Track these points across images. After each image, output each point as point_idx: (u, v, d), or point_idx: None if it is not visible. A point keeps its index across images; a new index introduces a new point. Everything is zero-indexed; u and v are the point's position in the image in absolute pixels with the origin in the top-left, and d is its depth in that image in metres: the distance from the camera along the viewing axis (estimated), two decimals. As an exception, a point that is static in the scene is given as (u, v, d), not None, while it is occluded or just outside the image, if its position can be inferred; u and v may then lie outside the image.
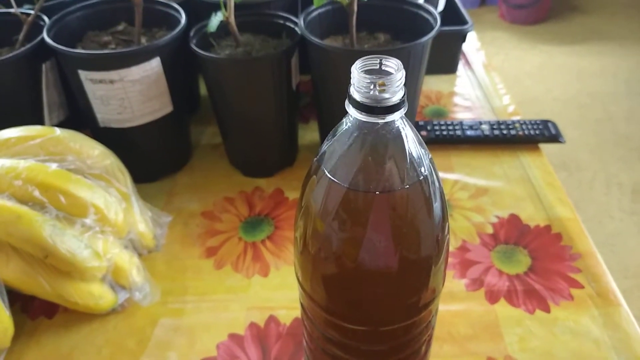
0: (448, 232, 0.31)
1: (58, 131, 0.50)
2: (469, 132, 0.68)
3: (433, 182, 0.29)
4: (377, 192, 0.28)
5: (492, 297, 0.48)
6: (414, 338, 0.34)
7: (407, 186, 0.28)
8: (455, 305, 0.48)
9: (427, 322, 0.34)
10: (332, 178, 0.28)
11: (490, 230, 0.55)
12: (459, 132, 0.68)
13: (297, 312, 0.47)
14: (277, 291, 0.49)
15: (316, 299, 0.32)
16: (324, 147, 0.29)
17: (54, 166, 0.47)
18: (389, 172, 0.28)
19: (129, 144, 0.59)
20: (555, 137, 0.67)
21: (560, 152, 1.63)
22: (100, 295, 0.46)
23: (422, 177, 0.28)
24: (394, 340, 0.33)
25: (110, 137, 0.57)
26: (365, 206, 0.29)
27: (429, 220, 0.29)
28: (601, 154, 1.68)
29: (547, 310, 0.47)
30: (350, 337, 0.33)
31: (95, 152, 0.51)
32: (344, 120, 0.28)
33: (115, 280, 0.47)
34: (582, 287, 0.49)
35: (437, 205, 0.29)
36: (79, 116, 0.61)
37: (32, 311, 0.48)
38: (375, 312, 0.32)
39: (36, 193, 0.45)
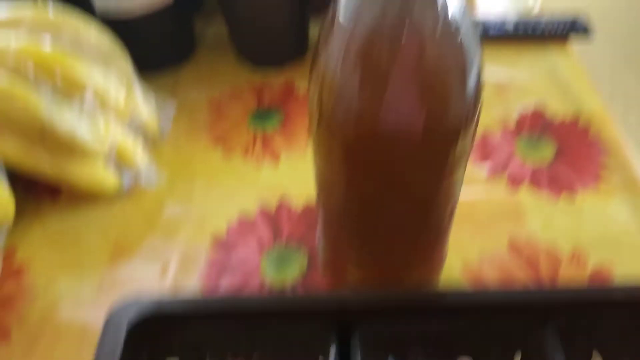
0: (482, 88, 0.28)
1: (51, 9, 0.47)
2: (492, 30, 0.64)
3: (468, 32, 0.26)
4: (403, 42, 0.25)
5: (515, 183, 0.46)
6: (436, 207, 0.32)
7: (439, 36, 0.25)
8: (476, 191, 0.45)
9: (451, 190, 0.32)
10: (350, 26, 0.25)
11: (513, 122, 0.52)
12: (481, 31, 0.63)
13: (309, 200, 0.45)
14: (288, 179, 0.47)
15: (334, 174, 0.30)
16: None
17: (48, 45, 0.44)
18: (417, 20, 0.25)
19: (129, 36, 0.55)
20: (584, 32, 0.62)
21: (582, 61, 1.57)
22: (103, 177, 0.44)
23: (455, 28, 0.25)
24: (417, 208, 0.31)
25: (109, 30, 0.53)
26: (389, 58, 0.25)
27: (461, 77, 0.26)
28: (622, 69, 1.61)
29: (573, 196, 0.45)
30: (370, 210, 0.31)
31: (93, 32, 0.47)
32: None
33: (120, 163, 0.45)
34: (610, 175, 0.46)
35: (471, 58, 0.26)
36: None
37: (35, 193, 0.46)
38: (398, 176, 0.29)
39: (30, 72, 0.42)
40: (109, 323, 0.30)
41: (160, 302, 0.31)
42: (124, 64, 0.49)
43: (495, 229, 0.42)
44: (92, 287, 0.40)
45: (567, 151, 0.49)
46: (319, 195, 0.34)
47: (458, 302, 0.31)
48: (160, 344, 0.31)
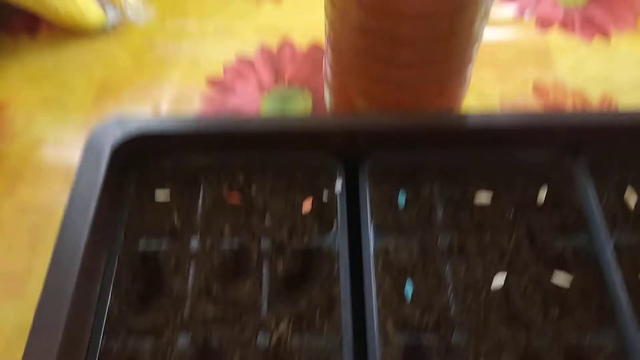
0: None
1: None
2: None
3: None
4: None
5: (544, 25, 0.41)
6: (463, 21, 0.27)
7: None
8: (500, 32, 0.41)
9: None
10: None
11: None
12: None
13: (315, 38, 0.40)
14: (292, 19, 0.43)
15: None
16: None
17: None
18: None
19: None
20: None
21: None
22: (85, 8, 0.39)
23: None
24: (443, 20, 0.26)
25: None
26: None
27: None
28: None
29: (606, 40, 0.40)
30: (390, 24, 0.26)
31: None
32: None
33: (102, -7, 0.40)
34: (649, 18, 0.41)
35: None
36: None
37: (11, 28, 0.42)
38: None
39: None
40: (91, 143, 0.27)
41: (148, 121, 0.28)
42: None
43: (519, 72, 0.38)
44: (75, 128, 0.37)
45: (604, -7, 0.44)
46: (330, 18, 0.30)
47: (479, 125, 0.28)
48: (148, 171, 0.29)
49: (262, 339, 0.24)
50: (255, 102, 0.38)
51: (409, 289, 0.25)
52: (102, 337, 0.24)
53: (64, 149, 0.36)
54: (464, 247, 0.27)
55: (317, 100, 0.37)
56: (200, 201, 0.28)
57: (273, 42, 0.41)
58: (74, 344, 0.23)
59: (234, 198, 0.28)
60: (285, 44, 0.41)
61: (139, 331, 0.24)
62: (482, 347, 0.24)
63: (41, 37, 0.41)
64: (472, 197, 0.28)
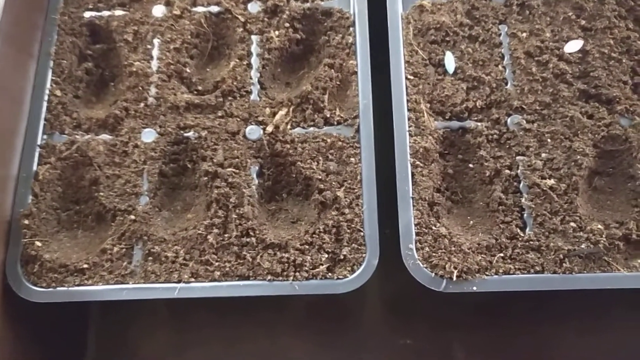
0: None
1: None
2: None
3: None
4: None
5: None
6: None
7: None
8: None
9: None
10: None
11: None
12: None
13: None
14: None
15: None
16: None
17: None
18: None
19: None
20: None
21: None
22: None
23: None
24: None
25: None
26: None
27: None
28: None
29: None
30: None
31: None
32: None
33: None
34: None
35: None
36: None
37: None
38: None
39: None
40: None
41: None
42: None
43: None
44: None
45: None
46: None
47: None
48: None
49: (252, 130, 0.18)
50: None
51: (450, 60, 0.19)
52: (42, 130, 0.18)
53: None
54: (526, 1, 0.19)
55: None
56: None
57: None
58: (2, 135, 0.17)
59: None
60: None
61: (91, 124, 0.19)
62: (548, 132, 0.18)
63: None
64: None
